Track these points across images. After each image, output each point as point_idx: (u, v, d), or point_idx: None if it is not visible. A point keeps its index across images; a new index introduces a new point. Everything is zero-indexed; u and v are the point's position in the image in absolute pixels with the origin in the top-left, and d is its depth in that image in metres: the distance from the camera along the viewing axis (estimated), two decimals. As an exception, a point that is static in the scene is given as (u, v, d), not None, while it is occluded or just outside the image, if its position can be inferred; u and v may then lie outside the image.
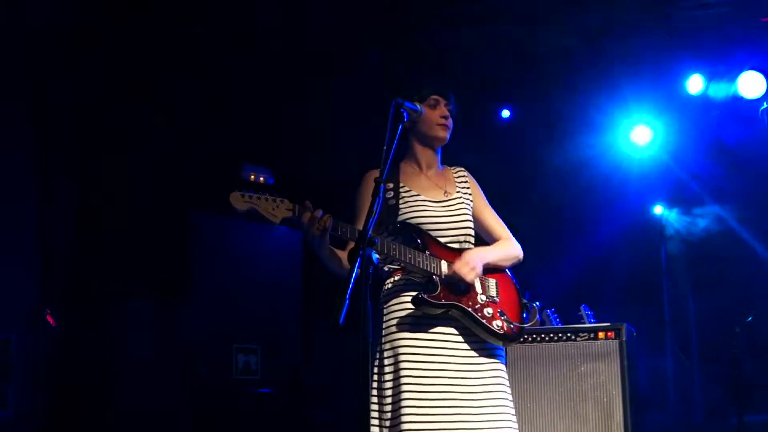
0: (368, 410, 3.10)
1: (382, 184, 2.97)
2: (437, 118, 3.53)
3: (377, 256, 3.39)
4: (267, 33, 6.44)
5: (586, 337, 4.98)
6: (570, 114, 7.16)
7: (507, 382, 3.45)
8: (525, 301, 3.54)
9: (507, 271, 3.59)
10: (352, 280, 2.75)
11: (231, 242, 6.53)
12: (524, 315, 3.51)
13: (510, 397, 3.43)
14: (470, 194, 3.64)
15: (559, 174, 7.26)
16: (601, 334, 4.96)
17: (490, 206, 3.71)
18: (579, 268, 7.22)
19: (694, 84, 6.96)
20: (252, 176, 6.72)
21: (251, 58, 6.54)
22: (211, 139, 6.42)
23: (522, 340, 4.92)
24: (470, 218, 3.57)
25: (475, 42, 6.88)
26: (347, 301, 2.71)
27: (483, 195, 3.71)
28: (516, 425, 3.41)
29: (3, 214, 5.35)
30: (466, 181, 3.68)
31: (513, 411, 3.43)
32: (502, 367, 3.44)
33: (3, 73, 5.46)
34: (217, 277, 6.44)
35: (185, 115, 6.25)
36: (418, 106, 3.36)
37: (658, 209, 7.69)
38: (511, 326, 3.42)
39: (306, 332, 6.77)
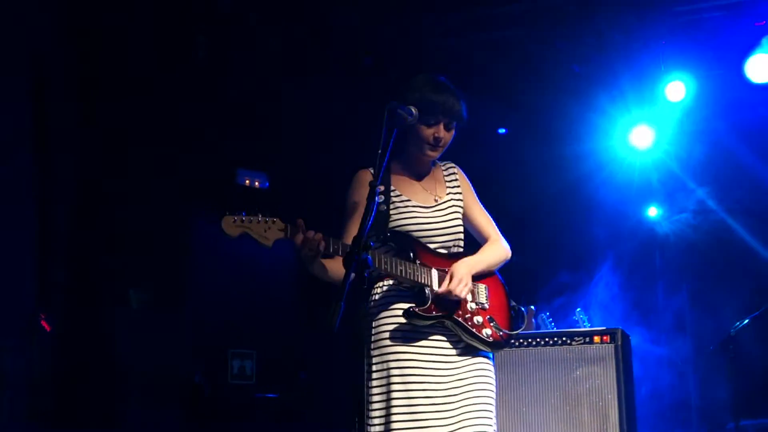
0: (363, 414, 3.08)
1: (377, 189, 2.91)
2: (430, 137, 3.42)
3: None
4: (266, 35, 6.46)
5: (582, 341, 4.98)
6: (565, 117, 7.16)
7: (491, 374, 3.41)
8: (513, 304, 3.52)
9: (496, 272, 3.57)
10: (347, 285, 2.73)
11: (227, 246, 6.49)
12: (514, 320, 3.49)
13: (492, 388, 3.40)
14: (460, 193, 3.59)
15: (553, 176, 7.27)
16: (596, 338, 4.96)
17: (480, 203, 3.65)
18: (573, 271, 7.22)
19: (675, 90, 6.87)
20: (247, 181, 6.73)
21: (249, 61, 6.55)
22: (208, 142, 6.42)
23: (518, 344, 4.94)
24: (460, 222, 3.53)
25: (471, 46, 6.89)
26: (342, 306, 2.67)
27: (473, 191, 3.65)
28: (493, 414, 3.37)
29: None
30: (456, 179, 3.61)
31: (492, 402, 3.38)
32: (488, 362, 3.42)
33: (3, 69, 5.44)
34: (212, 282, 6.44)
35: (184, 117, 6.25)
36: (412, 110, 3.22)
37: (653, 211, 7.68)
38: (500, 333, 3.41)
39: (301, 337, 6.76)
